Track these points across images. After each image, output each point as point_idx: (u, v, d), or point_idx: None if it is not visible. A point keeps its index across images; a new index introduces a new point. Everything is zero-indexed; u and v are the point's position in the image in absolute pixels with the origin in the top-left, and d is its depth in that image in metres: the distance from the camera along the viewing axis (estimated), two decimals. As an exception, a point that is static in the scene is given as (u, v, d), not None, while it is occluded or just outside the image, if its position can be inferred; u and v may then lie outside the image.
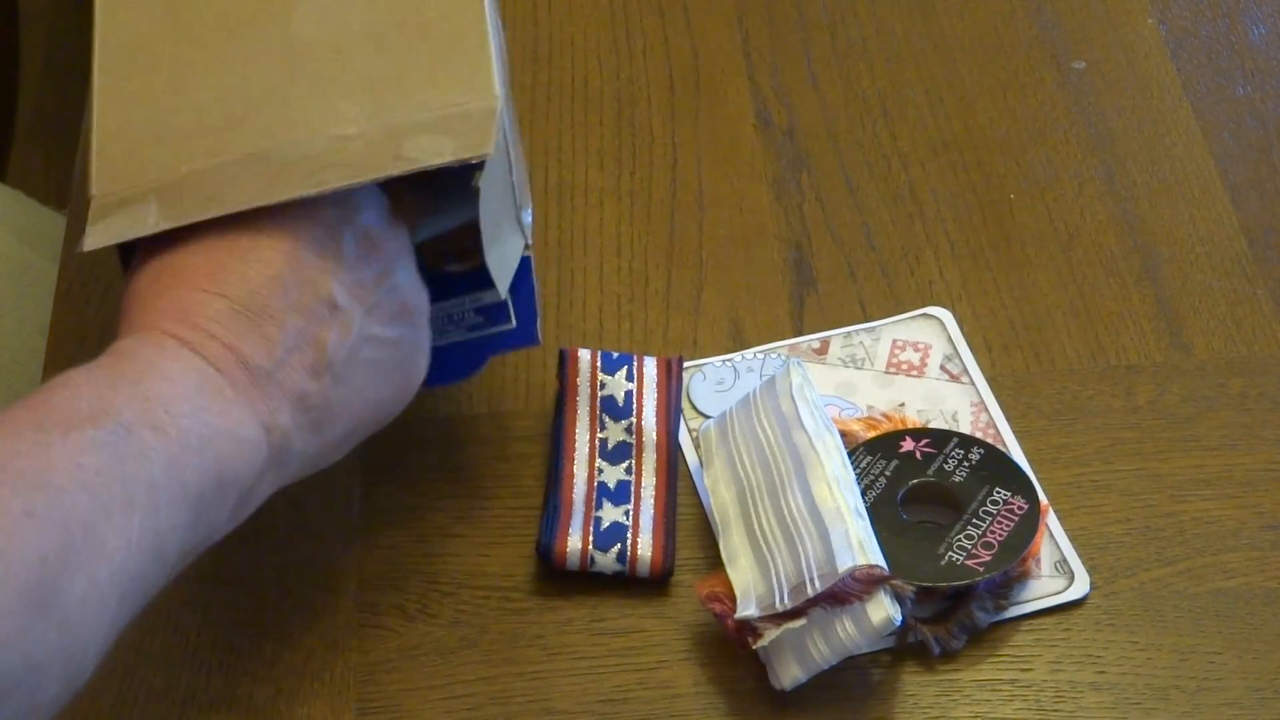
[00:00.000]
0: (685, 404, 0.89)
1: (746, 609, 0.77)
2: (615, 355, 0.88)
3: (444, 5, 0.81)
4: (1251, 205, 0.98)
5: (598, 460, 0.85)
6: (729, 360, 0.91)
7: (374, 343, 0.75)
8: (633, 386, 0.87)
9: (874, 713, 0.78)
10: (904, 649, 0.80)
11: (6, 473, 0.63)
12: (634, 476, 0.85)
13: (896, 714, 0.78)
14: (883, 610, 0.75)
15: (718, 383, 0.90)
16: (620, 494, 0.84)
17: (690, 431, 0.88)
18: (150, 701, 0.80)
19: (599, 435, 0.86)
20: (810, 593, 0.75)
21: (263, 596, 0.83)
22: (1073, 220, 0.98)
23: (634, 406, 0.87)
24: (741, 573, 0.79)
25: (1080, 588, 0.82)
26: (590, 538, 0.82)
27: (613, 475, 0.85)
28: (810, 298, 0.94)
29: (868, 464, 0.84)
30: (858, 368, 0.90)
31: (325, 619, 0.82)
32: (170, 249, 0.73)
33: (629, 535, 0.82)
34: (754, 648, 0.77)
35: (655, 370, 0.88)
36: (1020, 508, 0.82)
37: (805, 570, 0.76)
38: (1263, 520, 0.85)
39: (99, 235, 0.75)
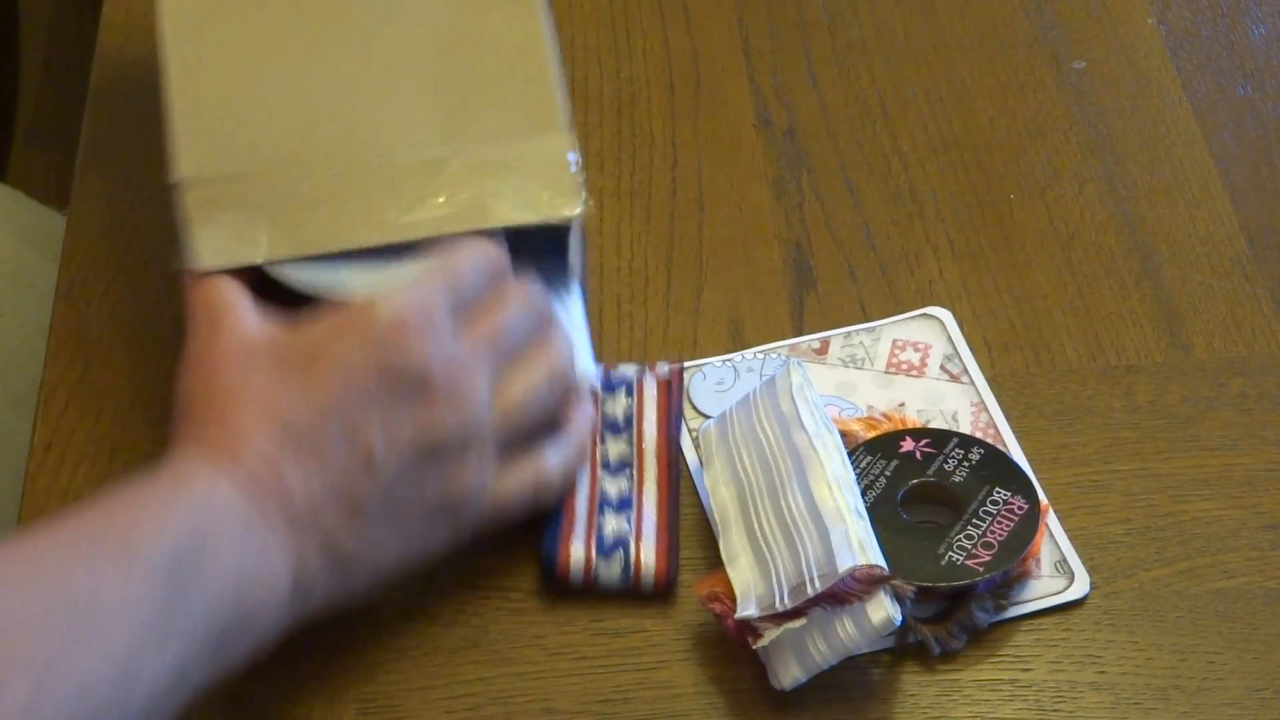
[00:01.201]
0: (685, 404, 0.89)
1: (746, 609, 0.77)
2: (614, 374, 0.88)
3: (508, 28, 0.84)
4: (1251, 205, 0.98)
5: (599, 472, 0.85)
6: (729, 360, 0.91)
7: (410, 499, 0.74)
8: (632, 402, 0.87)
9: (874, 713, 0.78)
10: (904, 649, 0.80)
11: (59, 589, 0.65)
12: (635, 485, 0.85)
13: (896, 714, 0.78)
14: (883, 610, 0.75)
15: (718, 383, 0.90)
16: (622, 504, 0.84)
17: (690, 432, 0.88)
18: (150, 701, 0.80)
19: (598, 449, 0.86)
20: (810, 593, 0.75)
21: (263, 596, 0.83)
22: (1073, 220, 0.98)
23: (634, 419, 0.87)
24: (741, 573, 0.79)
25: (1080, 588, 0.82)
26: (593, 546, 0.82)
27: (614, 486, 0.84)
28: (810, 298, 0.94)
29: (867, 464, 0.84)
30: (858, 368, 0.90)
31: (325, 619, 0.82)
32: (233, 341, 0.74)
33: (632, 542, 0.82)
34: (754, 648, 0.77)
35: (655, 389, 0.88)
36: (1020, 508, 0.82)
37: (805, 570, 0.76)
38: (1263, 520, 0.85)
39: (210, 253, 0.79)
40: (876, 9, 1.10)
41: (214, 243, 0.80)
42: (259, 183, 0.81)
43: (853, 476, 0.81)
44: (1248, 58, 1.06)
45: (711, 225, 0.98)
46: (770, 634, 0.76)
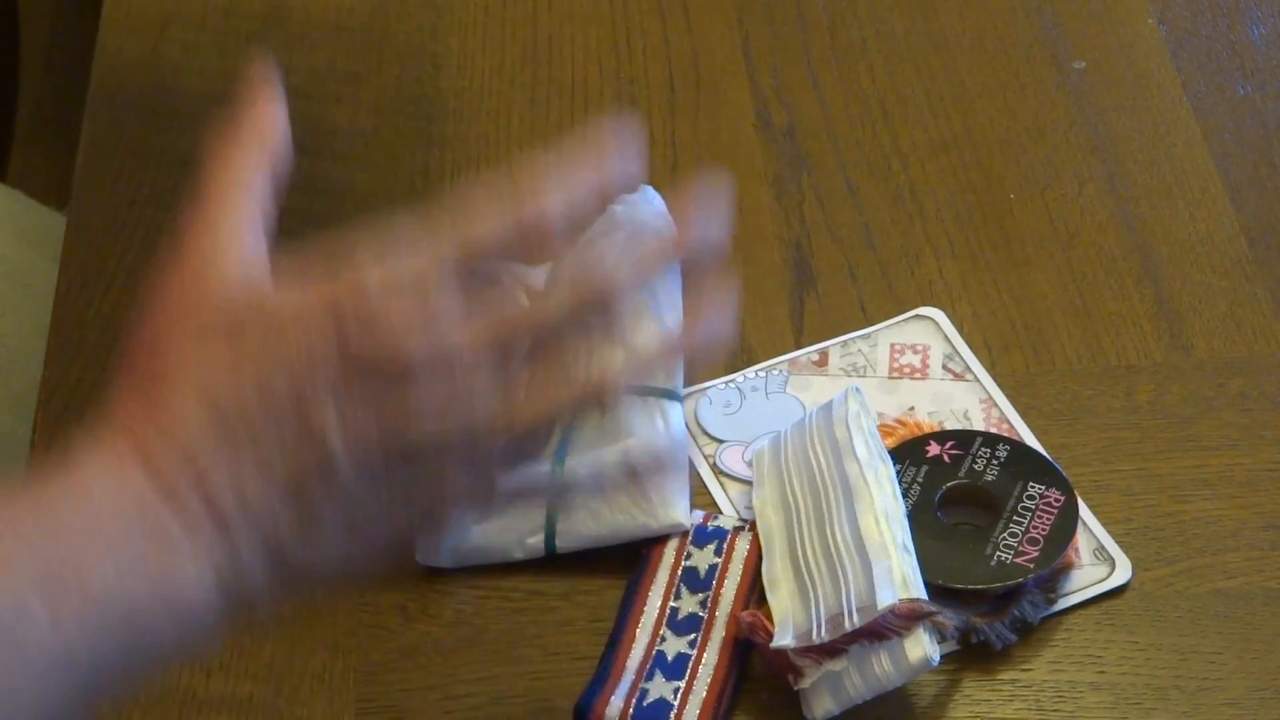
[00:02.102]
0: (694, 428, 0.88)
1: (783, 639, 0.76)
2: (710, 528, 0.83)
3: None
4: (1251, 205, 0.98)
5: (663, 629, 0.80)
6: (731, 381, 0.91)
7: (363, 499, 0.63)
8: (719, 561, 0.82)
9: (874, 712, 0.78)
10: (968, 649, 0.79)
11: None
12: (695, 652, 0.80)
13: (896, 713, 0.78)
14: (921, 649, 0.74)
15: (725, 405, 0.90)
16: (676, 669, 0.79)
17: (706, 458, 0.88)
18: (150, 701, 0.80)
19: (671, 604, 0.81)
20: (848, 626, 0.74)
21: (263, 596, 0.83)
22: (1073, 220, 0.98)
23: (715, 580, 0.82)
24: (781, 600, 0.78)
25: (1123, 574, 0.82)
26: (631, 710, 0.77)
27: (674, 647, 0.80)
28: (810, 298, 0.94)
29: (898, 472, 0.83)
30: (860, 375, 0.90)
31: (325, 619, 0.82)
32: (195, 291, 0.64)
33: (671, 716, 0.77)
34: (795, 689, 0.77)
35: (748, 549, 0.83)
36: (1057, 500, 0.82)
37: (845, 603, 0.75)
38: (1263, 520, 0.85)
39: None
40: (876, 9, 1.10)
41: None
42: None
43: (903, 509, 0.80)
44: (1248, 58, 1.06)
45: (711, 225, 0.98)
46: (812, 675, 0.76)
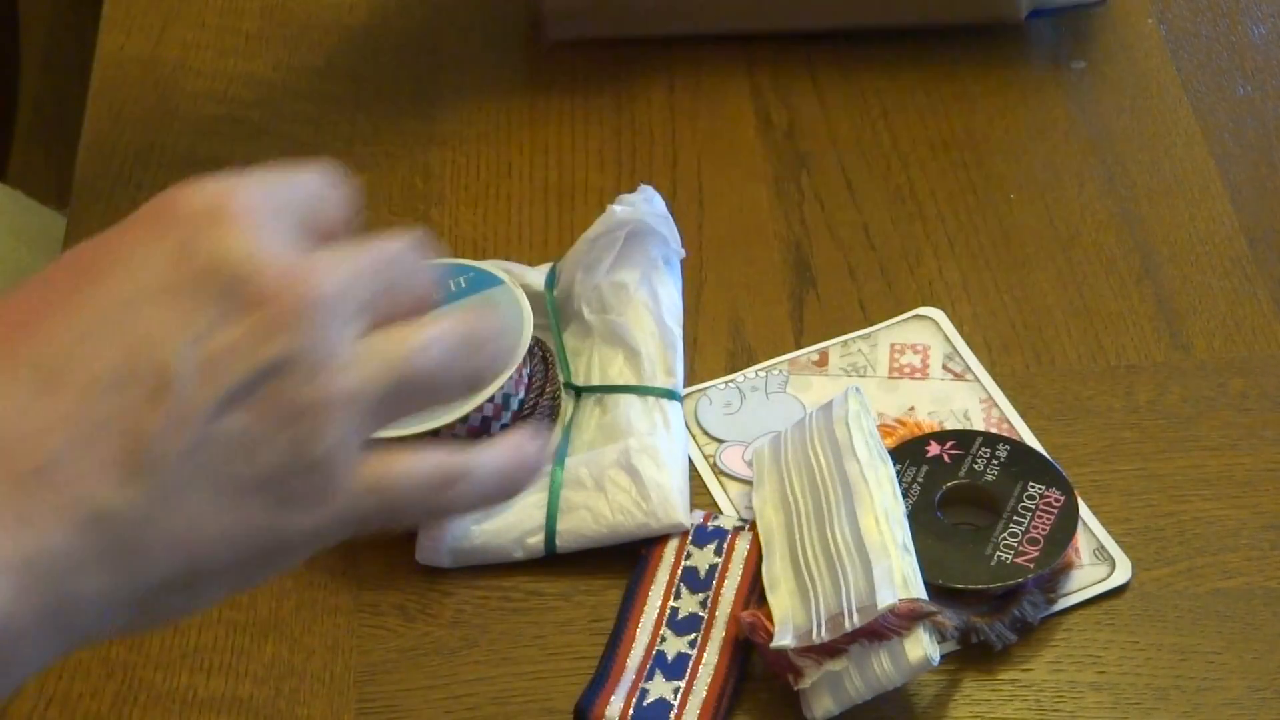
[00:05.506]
0: (694, 428, 0.88)
1: (783, 639, 0.76)
2: (710, 528, 0.83)
3: None
4: (1251, 205, 0.98)
5: (663, 629, 0.80)
6: (731, 381, 0.91)
7: (231, 446, 0.50)
8: (719, 561, 0.82)
9: (874, 712, 0.78)
10: (967, 648, 0.79)
11: None
12: (695, 652, 0.79)
13: (896, 713, 0.78)
14: (921, 649, 0.74)
15: (725, 405, 0.90)
16: (676, 669, 0.79)
17: (706, 458, 0.88)
18: (150, 701, 0.80)
19: (671, 604, 0.81)
20: (848, 626, 0.74)
21: (263, 597, 0.83)
22: (1073, 220, 0.98)
23: (715, 580, 0.82)
24: (781, 600, 0.78)
25: (1123, 573, 0.82)
26: (631, 710, 0.77)
27: (674, 647, 0.80)
28: (810, 298, 0.94)
29: (898, 472, 0.83)
30: (860, 375, 0.90)
31: (325, 619, 0.82)
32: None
33: (672, 715, 0.77)
34: (795, 689, 0.77)
35: (748, 549, 0.82)
36: (1057, 500, 0.82)
37: (845, 603, 0.75)
38: (1263, 520, 0.85)
39: None
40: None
41: None
42: None
43: (903, 509, 0.80)
44: (1248, 58, 1.06)
45: (711, 225, 0.98)
46: (812, 675, 0.76)
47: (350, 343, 0.52)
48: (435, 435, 0.81)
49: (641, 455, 0.83)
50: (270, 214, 0.52)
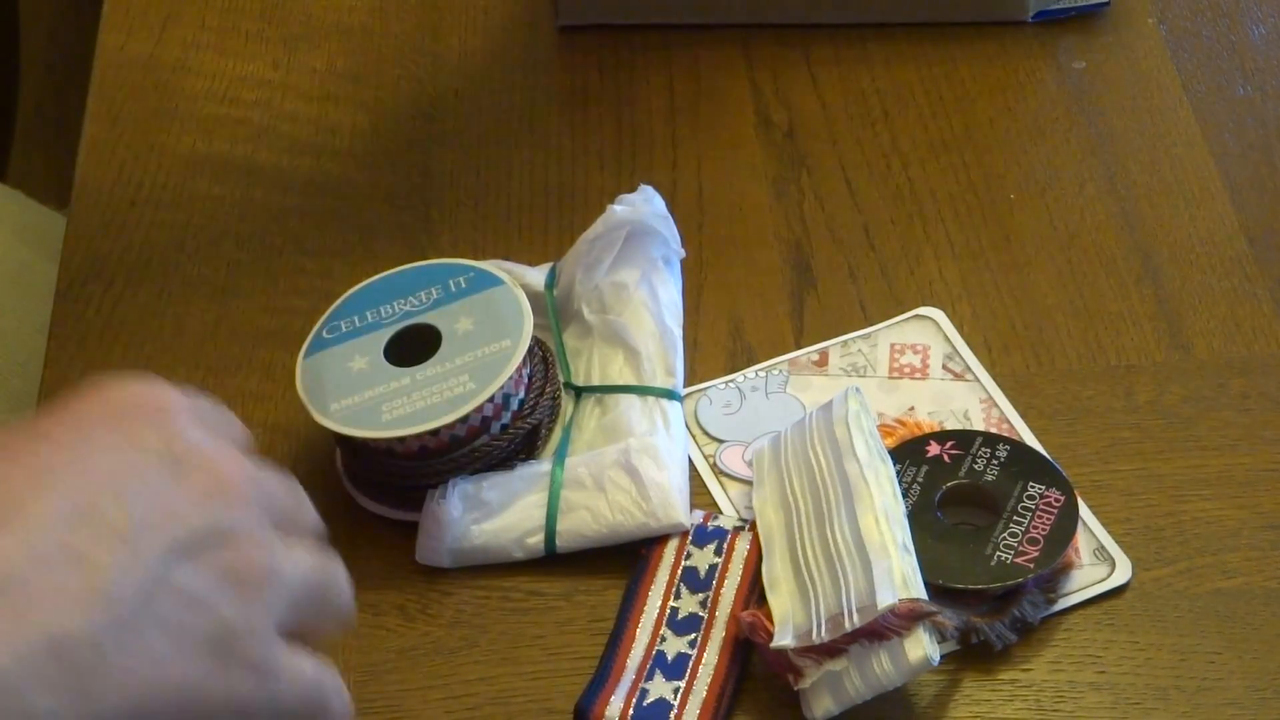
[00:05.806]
0: (694, 428, 0.88)
1: (783, 639, 0.76)
2: (710, 528, 0.83)
3: None
4: (1251, 205, 0.98)
5: (663, 629, 0.80)
6: (731, 381, 0.91)
7: (183, 597, 0.53)
8: (719, 561, 0.82)
9: (874, 712, 0.78)
10: (968, 649, 0.79)
11: None
12: (695, 652, 0.79)
13: (896, 713, 0.78)
14: (921, 649, 0.74)
15: (725, 405, 0.90)
16: (676, 668, 0.79)
17: (706, 458, 0.88)
18: (150, 701, 0.80)
19: (671, 604, 0.81)
20: (848, 626, 0.74)
21: (263, 596, 0.83)
22: (1073, 220, 0.98)
23: (715, 580, 0.82)
24: (781, 600, 0.78)
25: (1123, 573, 0.82)
26: (631, 710, 0.77)
27: (674, 647, 0.79)
28: (810, 298, 0.94)
29: (898, 472, 0.83)
30: (860, 375, 0.90)
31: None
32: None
33: (672, 714, 0.77)
34: (795, 689, 0.77)
35: (748, 549, 0.82)
36: (1057, 500, 0.82)
37: (845, 603, 0.75)
38: (1263, 520, 0.85)
39: None
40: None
41: None
42: None
43: (903, 509, 0.80)
44: (1248, 58, 1.06)
45: (711, 225, 0.98)
46: (812, 675, 0.76)
47: (278, 534, 0.57)
48: (435, 435, 0.81)
49: (641, 455, 0.83)
50: (201, 415, 0.58)
